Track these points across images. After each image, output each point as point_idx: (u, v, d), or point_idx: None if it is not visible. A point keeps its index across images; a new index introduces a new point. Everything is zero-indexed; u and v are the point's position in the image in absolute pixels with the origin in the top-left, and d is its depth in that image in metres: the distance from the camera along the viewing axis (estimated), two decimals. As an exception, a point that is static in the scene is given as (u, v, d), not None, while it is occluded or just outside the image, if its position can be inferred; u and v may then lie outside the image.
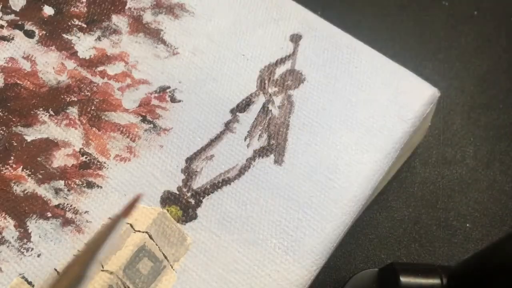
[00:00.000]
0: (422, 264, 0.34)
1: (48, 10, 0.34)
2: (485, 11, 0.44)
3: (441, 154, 0.39)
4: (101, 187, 0.29)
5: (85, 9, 0.34)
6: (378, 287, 0.34)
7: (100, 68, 0.33)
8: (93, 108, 0.31)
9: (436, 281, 0.30)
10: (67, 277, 0.19)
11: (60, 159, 0.30)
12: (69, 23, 0.34)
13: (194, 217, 0.29)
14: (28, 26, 0.34)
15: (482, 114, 0.40)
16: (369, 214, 0.37)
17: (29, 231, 0.28)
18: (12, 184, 0.29)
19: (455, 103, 0.40)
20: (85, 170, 0.30)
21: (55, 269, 0.27)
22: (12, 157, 0.30)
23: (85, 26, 0.34)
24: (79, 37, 0.34)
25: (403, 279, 0.30)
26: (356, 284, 0.34)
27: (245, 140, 0.31)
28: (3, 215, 0.28)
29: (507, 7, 0.44)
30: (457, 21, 0.44)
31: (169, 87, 0.32)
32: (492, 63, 0.42)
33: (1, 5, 0.34)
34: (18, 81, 0.32)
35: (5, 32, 0.33)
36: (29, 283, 0.27)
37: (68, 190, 0.29)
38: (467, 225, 0.36)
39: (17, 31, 0.33)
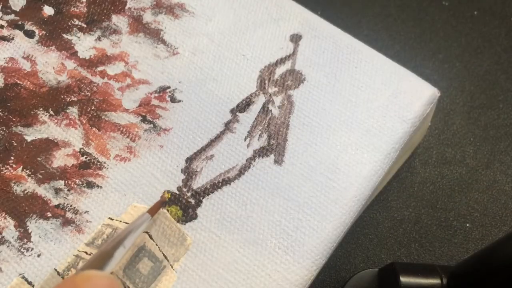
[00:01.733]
0: (422, 264, 0.34)
1: (48, 10, 0.34)
2: (485, 11, 0.44)
3: (441, 154, 0.39)
4: (101, 187, 0.29)
5: (85, 9, 0.34)
6: (378, 287, 0.34)
7: (100, 68, 0.33)
8: (93, 108, 0.31)
9: (436, 281, 0.30)
10: (100, 257, 0.24)
11: (60, 159, 0.30)
12: (69, 23, 0.34)
13: (194, 217, 0.29)
14: (28, 26, 0.34)
15: (482, 114, 0.40)
16: (369, 214, 0.37)
17: (29, 231, 0.28)
18: (12, 184, 0.29)
19: (455, 103, 0.40)
20: (85, 170, 0.30)
21: (55, 269, 0.27)
22: (12, 157, 0.30)
23: (85, 26, 0.34)
24: (79, 37, 0.34)
25: (403, 279, 0.30)
26: (356, 284, 0.34)
27: (245, 140, 0.31)
28: (3, 215, 0.28)
29: (507, 7, 0.44)
30: (457, 21, 0.44)
31: (169, 87, 0.32)
32: (492, 63, 0.42)
33: (1, 5, 0.34)
34: (18, 81, 0.32)
35: (5, 32, 0.33)
36: (29, 283, 0.27)
37: (68, 190, 0.29)
38: (467, 225, 0.36)
39: (17, 31, 0.33)
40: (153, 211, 0.28)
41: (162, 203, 0.29)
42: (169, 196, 0.29)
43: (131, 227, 0.26)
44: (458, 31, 0.43)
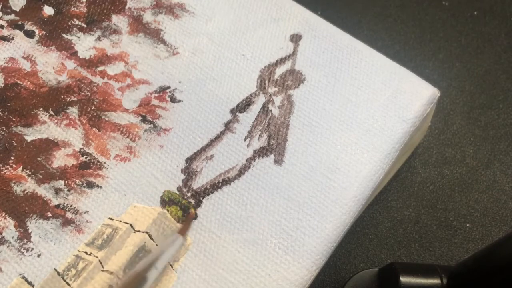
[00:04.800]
0: (422, 264, 0.34)
1: (48, 10, 0.34)
2: (485, 11, 0.44)
3: (441, 154, 0.39)
4: (101, 187, 0.29)
5: (85, 9, 0.34)
6: (378, 287, 0.34)
7: (100, 68, 0.33)
8: (93, 108, 0.31)
9: (436, 281, 0.30)
10: (133, 279, 0.24)
11: (60, 159, 0.30)
12: (69, 23, 0.34)
13: (194, 217, 0.29)
14: (28, 26, 0.34)
15: (482, 114, 0.40)
16: (369, 214, 0.37)
17: (29, 231, 0.28)
18: (12, 184, 0.29)
19: (455, 103, 0.40)
20: (85, 170, 0.30)
21: (55, 269, 0.27)
22: (12, 157, 0.30)
23: (85, 26, 0.34)
24: (79, 37, 0.34)
25: (403, 279, 0.30)
26: (356, 284, 0.34)
27: (245, 140, 0.31)
28: (3, 215, 0.28)
29: (507, 7, 0.44)
30: (457, 21, 0.44)
31: (169, 87, 0.32)
32: (492, 63, 0.42)
33: (1, 5, 0.34)
34: (18, 81, 0.32)
35: (5, 32, 0.33)
36: (29, 283, 0.27)
37: (68, 190, 0.29)
38: (467, 225, 0.36)
39: (17, 31, 0.33)
40: (183, 231, 0.28)
41: (191, 220, 0.29)
42: (195, 212, 0.29)
43: (163, 248, 0.26)
44: (458, 31, 0.43)
